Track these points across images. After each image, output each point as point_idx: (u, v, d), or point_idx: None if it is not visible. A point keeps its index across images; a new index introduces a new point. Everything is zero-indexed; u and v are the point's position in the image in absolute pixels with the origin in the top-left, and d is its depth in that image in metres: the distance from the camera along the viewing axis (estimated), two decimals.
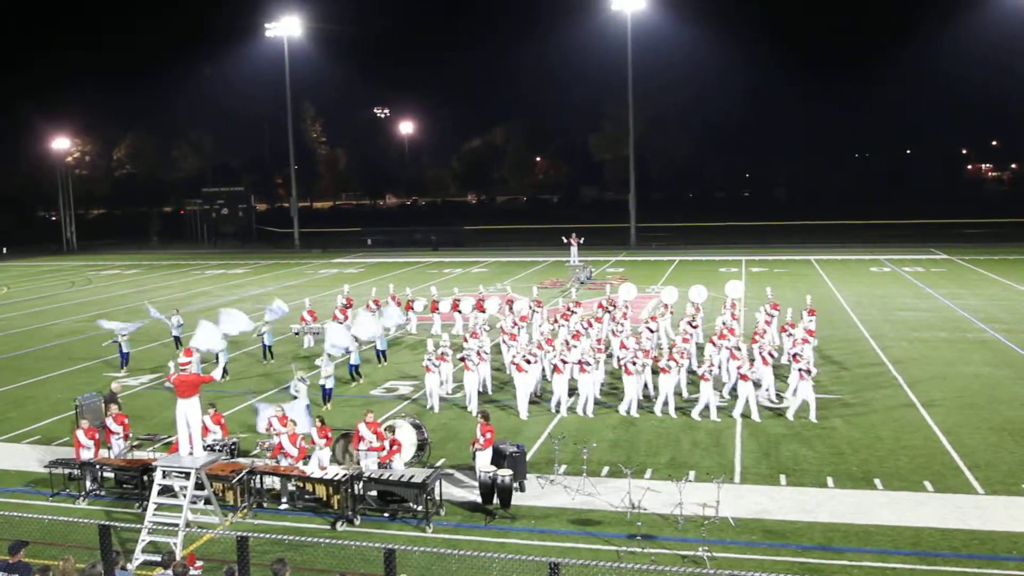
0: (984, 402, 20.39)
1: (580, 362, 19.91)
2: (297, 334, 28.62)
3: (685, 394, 20.67)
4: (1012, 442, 17.47)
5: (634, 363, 19.80)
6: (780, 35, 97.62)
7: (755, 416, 19.12)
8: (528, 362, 20.17)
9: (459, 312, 28.99)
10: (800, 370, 19.16)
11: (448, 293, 31.62)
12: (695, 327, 24.02)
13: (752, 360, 20.48)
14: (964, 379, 22.59)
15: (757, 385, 20.14)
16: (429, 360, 20.68)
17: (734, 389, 20.08)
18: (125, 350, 25.91)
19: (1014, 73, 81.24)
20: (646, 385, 20.75)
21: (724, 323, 22.92)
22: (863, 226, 66.04)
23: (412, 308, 30.34)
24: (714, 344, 21.47)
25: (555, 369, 20.35)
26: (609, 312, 26.18)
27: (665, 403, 19.69)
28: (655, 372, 20.45)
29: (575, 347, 20.37)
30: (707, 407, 19.34)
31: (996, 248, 55.24)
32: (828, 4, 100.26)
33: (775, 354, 20.42)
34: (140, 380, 24.74)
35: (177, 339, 27.93)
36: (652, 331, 23.61)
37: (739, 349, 20.29)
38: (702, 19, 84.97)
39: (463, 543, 13.43)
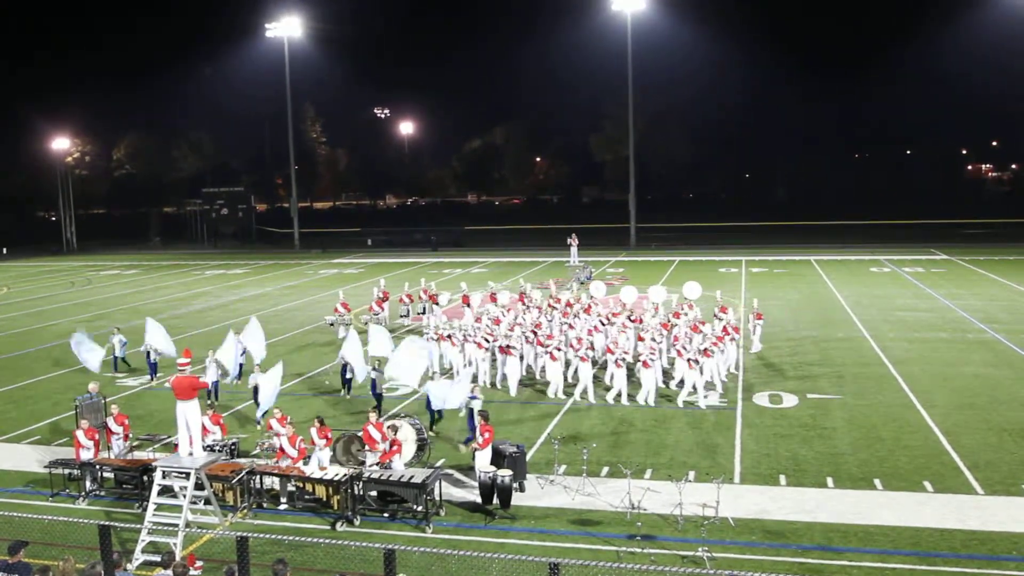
0: (984, 402, 20.39)
1: (508, 346, 22.16)
2: (332, 324, 29.87)
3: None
4: (1012, 442, 17.47)
5: (559, 350, 21.78)
6: (780, 35, 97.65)
7: (651, 401, 20.65)
8: (487, 340, 22.87)
9: (495, 304, 29.26)
10: (688, 359, 20.65)
11: (480, 286, 32.26)
12: (634, 321, 24.83)
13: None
14: (964, 379, 22.59)
15: (670, 376, 22.35)
16: (428, 335, 23.79)
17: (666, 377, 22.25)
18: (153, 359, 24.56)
19: (1014, 73, 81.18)
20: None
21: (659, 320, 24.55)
22: (863, 226, 66.04)
23: (437, 302, 30.71)
24: (641, 339, 22.90)
25: (501, 350, 22.60)
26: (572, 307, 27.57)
27: (584, 390, 21.24)
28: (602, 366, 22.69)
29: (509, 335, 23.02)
30: (619, 393, 20.90)
31: (996, 248, 55.24)
32: (828, 4, 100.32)
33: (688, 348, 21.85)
34: (140, 380, 24.74)
35: (122, 359, 25.81)
36: (603, 324, 24.68)
37: (656, 340, 21.70)
38: (702, 19, 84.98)
39: (463, 543, 13.43)
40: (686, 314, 24.85)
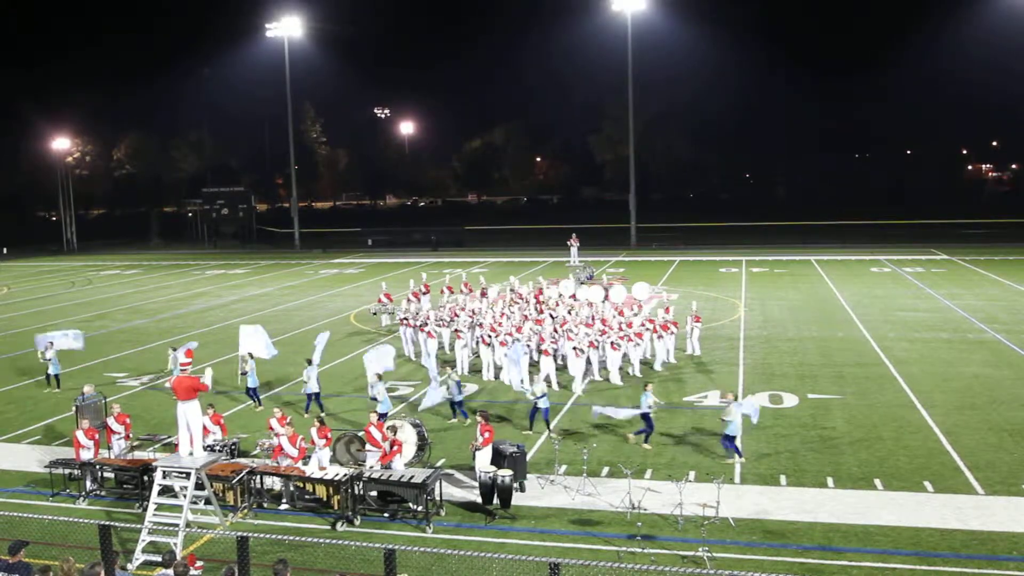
0: (984, 402, 20.39)
1: (457, 330, 24.99)
2: (375, 313, 32.16)
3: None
4: (1012, 442, 17.47)
5: (491, 335, 23.80)
6: (780, 35, 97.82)
7: (553, 385, 22.02)
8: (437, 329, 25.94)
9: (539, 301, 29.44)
10: (575, 348, 22.42)
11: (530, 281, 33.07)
12: (544, 315, 25.69)
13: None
14: (964, 379, 22.59)
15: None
16: (403, 317, 27.32)
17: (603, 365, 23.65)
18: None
19: (1014, 73, 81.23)
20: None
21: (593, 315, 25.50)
22: (863, 226, 66.02)
23: (486, 295, 30.90)
24: (537, 322, 24.67)
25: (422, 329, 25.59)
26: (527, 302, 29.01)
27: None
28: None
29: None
30: (548, 377, 21.92)
31: (996, 248, 55.23)
32: (828, 4, 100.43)
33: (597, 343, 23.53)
34: (140, 380, 24.75)
35: (55, 376, 23.90)
36: (553, 316, 25.53)
37: (574, 331, 22.98)
38: (702, 19, 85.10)
39: (463, 543, 13.43)
40: (636, 313, 25.19)
